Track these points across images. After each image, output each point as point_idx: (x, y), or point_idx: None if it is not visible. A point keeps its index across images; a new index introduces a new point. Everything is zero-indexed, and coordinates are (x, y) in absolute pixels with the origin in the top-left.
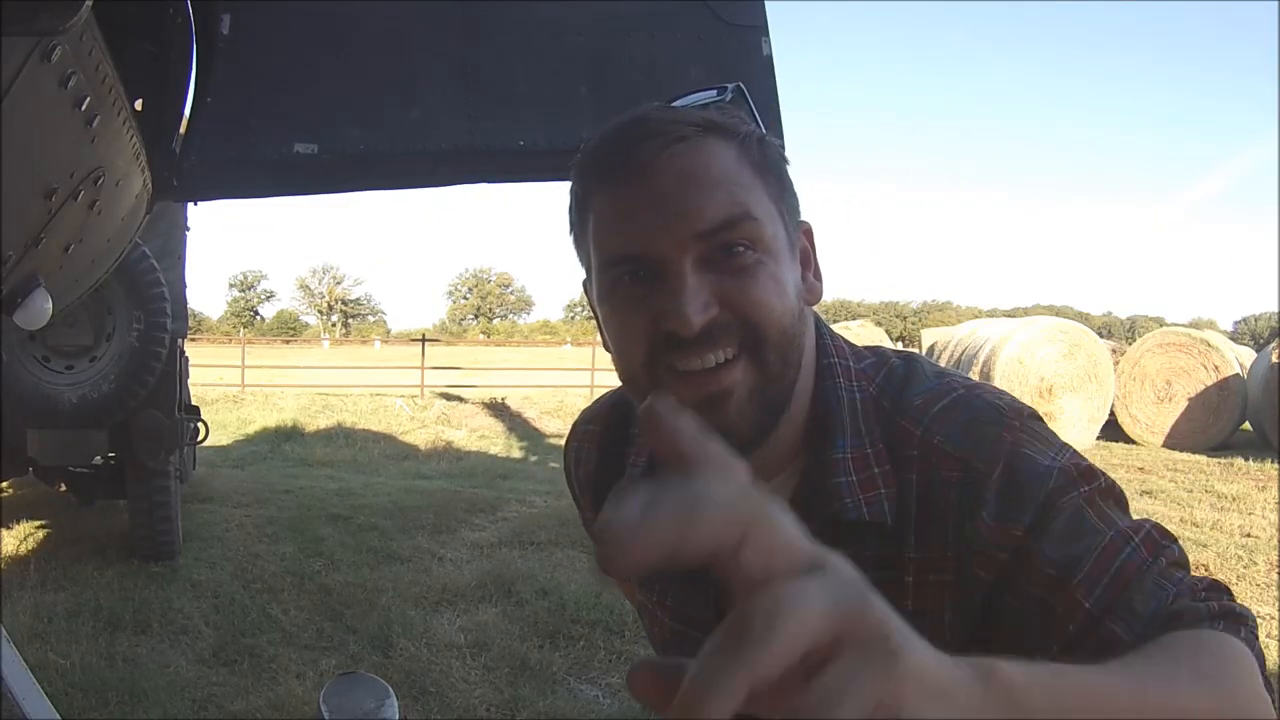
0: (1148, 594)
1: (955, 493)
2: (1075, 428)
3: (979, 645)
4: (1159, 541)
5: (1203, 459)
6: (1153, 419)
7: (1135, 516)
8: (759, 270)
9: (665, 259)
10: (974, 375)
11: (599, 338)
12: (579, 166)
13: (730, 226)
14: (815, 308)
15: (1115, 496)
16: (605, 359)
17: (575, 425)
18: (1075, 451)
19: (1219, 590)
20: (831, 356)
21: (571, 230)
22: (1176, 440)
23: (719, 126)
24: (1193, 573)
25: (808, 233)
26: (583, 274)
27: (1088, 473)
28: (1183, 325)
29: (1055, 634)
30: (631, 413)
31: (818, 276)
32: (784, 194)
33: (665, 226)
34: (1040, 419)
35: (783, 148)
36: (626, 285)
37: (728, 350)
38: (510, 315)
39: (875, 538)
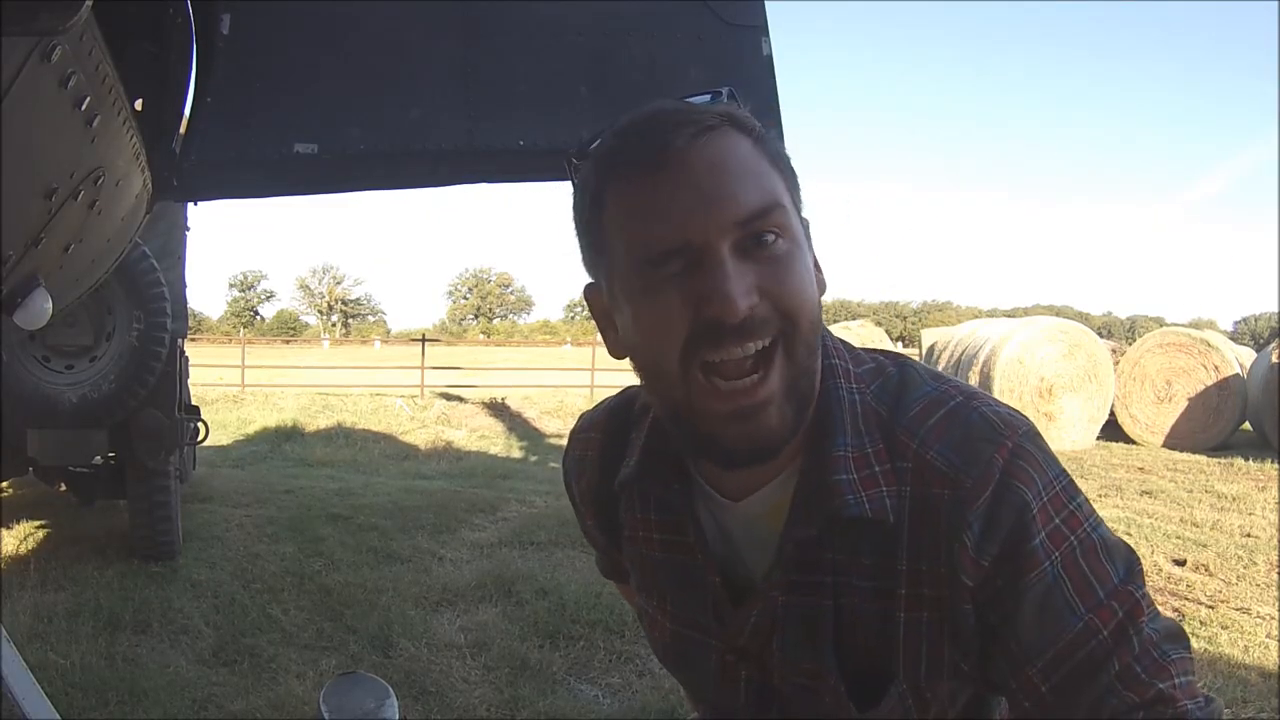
0: (1098, 698)
1: (945, 511)
2: (1075, 428)
3: (968, 669)
4: (1129, 629)
5: (1203, 459)
6: (1153, 419)
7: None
8: (790, 260)
9: (705, 246)
10: (974, 375)
11: (598, 338)
12: (597, 161)
13: (764, 214)
14: None
15: (1100, 542)
16: (605, 359)
17: (574, 433)
18: (1067, 481)
19: (1164, 701)
20: (833, 357)
21: (579, 228)
22: (1176, 440)
23: (737, 119)
24: (1193, 575)
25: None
26: (586, 276)
27: (1071, 520)
28: (1183, 325)
29: (1011, 697)
30: (631, 418)
31: (818, 269)
32: (794, 187)
33: (704, 214)
34: (1038, 436)
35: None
36: (662, 276)
37: (764, 339)
38: (510, 315)
39: (873, 540)
